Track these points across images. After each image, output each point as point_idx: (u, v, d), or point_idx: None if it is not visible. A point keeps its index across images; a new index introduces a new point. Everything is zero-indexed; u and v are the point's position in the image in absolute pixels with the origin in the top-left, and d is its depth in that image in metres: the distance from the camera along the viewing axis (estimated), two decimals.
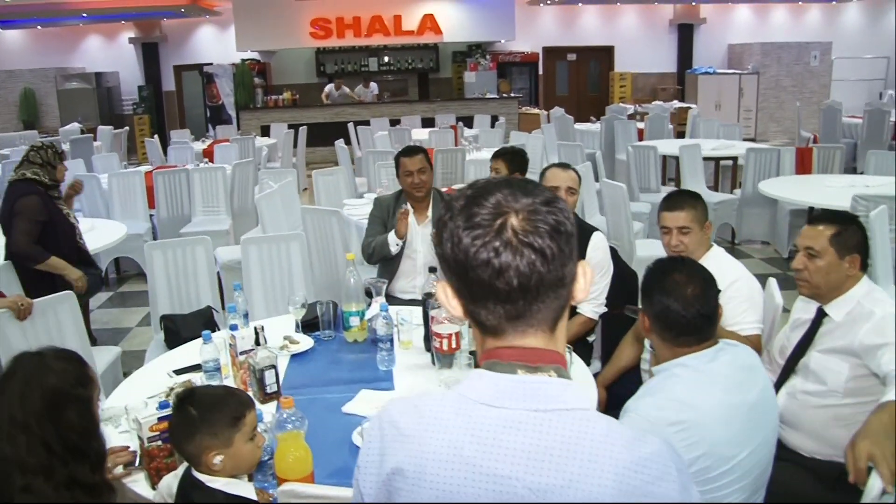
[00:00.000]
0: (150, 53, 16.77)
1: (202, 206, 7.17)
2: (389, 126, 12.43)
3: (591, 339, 3.65)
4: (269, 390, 2.45)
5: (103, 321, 6.01)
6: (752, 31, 17.84)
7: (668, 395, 1.87)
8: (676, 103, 15.14)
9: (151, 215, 7.15)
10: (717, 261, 2.92)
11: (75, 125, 14.17)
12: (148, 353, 3.90)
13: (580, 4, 16.95)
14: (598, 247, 3.45)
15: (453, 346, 2.57)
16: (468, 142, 9.17)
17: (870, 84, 18.07)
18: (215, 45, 16.66)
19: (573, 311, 3.46)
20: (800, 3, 17.76)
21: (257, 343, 2.47)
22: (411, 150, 4.12)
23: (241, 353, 2.54)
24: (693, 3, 17.22)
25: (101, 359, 3.80)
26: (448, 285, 1.16)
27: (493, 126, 12.13)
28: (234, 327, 2.57)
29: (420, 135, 10.72)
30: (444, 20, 15.22)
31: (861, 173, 8.01)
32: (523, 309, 1.10)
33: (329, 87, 15.13)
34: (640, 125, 11.36)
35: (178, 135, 11.72)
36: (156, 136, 11.30)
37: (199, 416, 1.78)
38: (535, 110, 15.06)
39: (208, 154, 9.72)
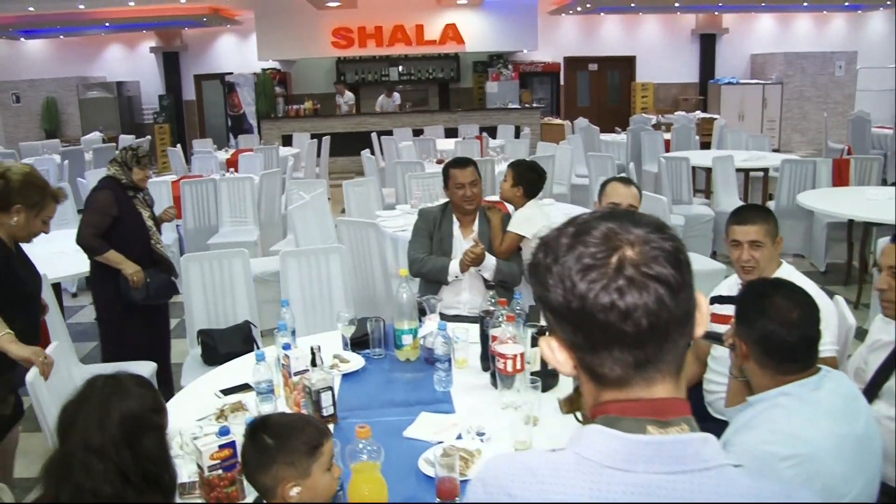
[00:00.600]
0: (170, 63, 16.78)
1: (230, 216, 7.08)
2: (412, 136, 12.37)
3: None
4: (325, 413, 2.34)
5: None
6: (775, 41, 17.66)
7: (773, 427, 1.73)
8: (699, 114, 15.00)
9: (178, 226, 7.06)
10: (790, 278, 2.78)
11: (97, 134, 14.19)
12: (185, 368, 3.80)
13: (602, 14, 16.83)
14: None
15: (518, 367, 2.44)
16: (495, 152, 9.05)
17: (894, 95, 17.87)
18: (236, 55, 16.65)
19: None
20: (824, 11, 17.56)
21: (314, 364, 2.35)
22: (462, 162, 3.97)
23: (296, 374, 2.43)
24: (716, 13, 17.07)
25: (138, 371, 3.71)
26: (553, 338, 1.03)
27: (517, 137, 12.04)
28: (287, 346, 2.46)
29: (445, 145, 10.62)
30: (466, 29, 15.14)
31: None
32: (653, 353, 0.97)
33: (337, 97, 15.15)
34: (667, 136, 11.21)
35: (201, 144, 11.68)
36: (178, 145, 11.24)
37: (276, 446, 1.65)
38: (558, 120, 14.95)
39: (232, 164, 9.66)
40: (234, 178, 7.29)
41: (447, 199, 4.02)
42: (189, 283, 3.95)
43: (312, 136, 11.93)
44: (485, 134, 11.57)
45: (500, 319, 2.59)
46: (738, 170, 8.44)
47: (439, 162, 8.63)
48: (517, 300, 2.85)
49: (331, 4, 13.47)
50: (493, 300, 2.76)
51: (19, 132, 16.06)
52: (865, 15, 17.98)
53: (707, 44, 17.60)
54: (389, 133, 12.02)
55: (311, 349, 2.36)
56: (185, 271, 3.94)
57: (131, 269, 3.96)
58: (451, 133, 13.14)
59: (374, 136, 11.52)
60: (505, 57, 16.52)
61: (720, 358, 2.86)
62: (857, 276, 6.86)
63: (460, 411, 2.47)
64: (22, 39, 16.38)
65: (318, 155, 11.21)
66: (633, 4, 15.36)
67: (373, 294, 4.60)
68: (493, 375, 2.63)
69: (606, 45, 17.43)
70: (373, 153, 10.00)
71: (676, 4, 15.58)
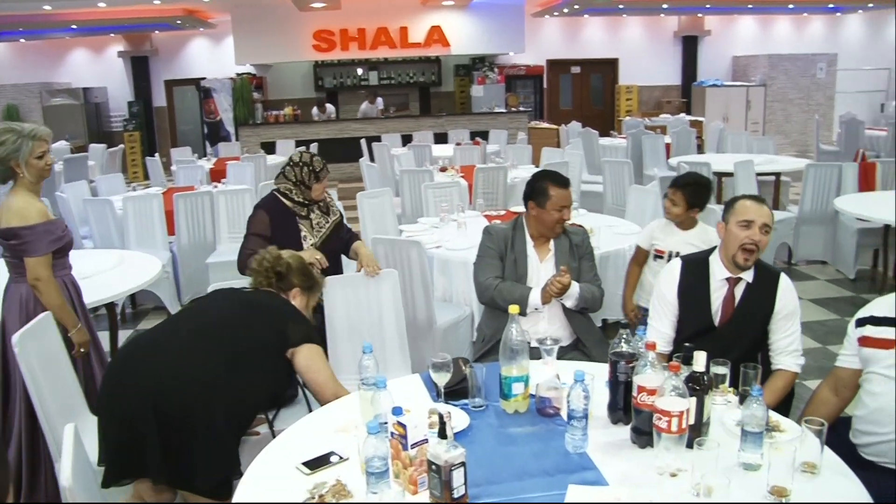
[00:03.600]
0: (139, 68, 16.11)
1: (228, 232, 6.53)
2: (401, 141, 11.90)
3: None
4: (456, 495, 1.87)
5: None
6: (757, 43, 17.61)
7: None
8: (684, 116, 14.75)
9: (171, 243, 6.50)
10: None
11: (63, 143, 13.46)
12: None
13: (585, 16, 16.54)
14: (790, 289, 2.92)
15: (683, 426, 2.00)
16: (501, 159, 8.63)
17: (871, 96, 17.89)
18: (208, 59, 16.07)
19: (768, 371, 2.91)
20: (804, 14, 17.50)
21: (443, 434, 1.88)
22: (564, 180, 3.48)
23: (413, 446, 1.96)
24: (699, 15, 16.90)
25: None
26: None
27: (509, 142, 11.64)
28: (398, 411, 1.98)
29: (441, 151, 10.17)
30: (451, 31, 14.70)
31: None
32: None
33: (314, 111, 14.64)
34: (667, 139, 10.88)
35: (180, 153, 11.05)
36: (156, 154, 10.63)
37: None
38: (546, 125, 14.59)
39: (218, 174, 9.06)
40: (234, 191, 6.74)
41: (518, 215, 3.56)
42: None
43: (297, 144, 11.39)
44: (483, 140, 11.11)
45: (645, 364, 2.15)
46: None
47: (443, 170, 8.19)
48: (640, 336, 2.40)
49: (315, 6, 12.93)
50: (624, 338, 2.31)
51: None
52: (844, 17, 17.98)
53: (689, 46, 17.47)
54: (376, 139, 11.54)
55: (440, 416, 1.89)
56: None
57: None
58: (439, 139, 12.69)
59: (363, 142, 11.04)
60: (489, 60, 16.14)
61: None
62: (891, 284, 6.57)
63: (612, 480, 2.02)
64: None
65: None
66: (619, 6, 15.07)
67: (413, 323, 4.11)
68: (634, 431, 2.19)
69: (589, 47, 17.19)
70: (359, 160, 9.47)
71: (664, 6, 15.34)
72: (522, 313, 3.29)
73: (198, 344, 2.60)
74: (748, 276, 2.93)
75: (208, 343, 2.61)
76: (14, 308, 3.26)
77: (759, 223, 2.85)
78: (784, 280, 2.94)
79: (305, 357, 2.70)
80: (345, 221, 4.14)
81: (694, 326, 2.97)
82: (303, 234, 3.81)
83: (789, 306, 2.91)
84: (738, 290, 2.95)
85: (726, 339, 2.88)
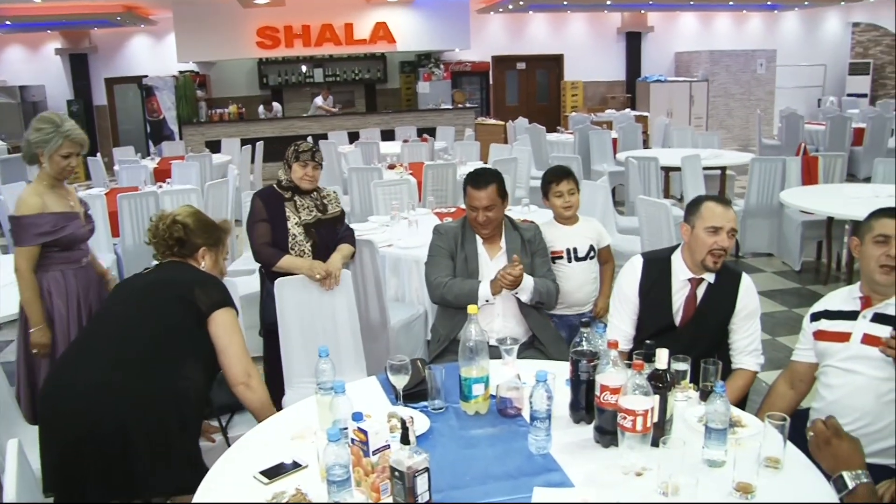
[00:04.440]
0: (78, 65, 15.66)
1: None
2: (348, 139, 11.79)
3: None
4: (420, 500, 1.83)
5: None
6: (698, 39, 17.88)
7: None
8: (629, 111, 14.91)
9: (115, 245, 6.32)
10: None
11: None
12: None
13: (530, 12, 16.60)
14: (751, 290, 2.93)
15: (648, 424, 1.99)
16: (449, 156, 8.59)
17: (808, 91, 18.36)
18: (150, 57, 15.70)
19: (728, 369, 2.92)
20: (743, 11, 17.84)
21: (405, 440, 1.83)
22: (479, 180, 3.39)
23: (374, 453, 1.91)
24: (642, 11, 17.10)
25: None
26: None
27: (456, 138, 11.62)
28: (358, 416, 1.93)
29: (389, 148, 10.10)
30: (397, 28, 14.61)
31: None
32: None
33: (260, 110, 14.43)
34: (614, 135, 10.98)
35: (123, 153, 10.77)
36: (97, 154, 10.33)
37: None
38: (493, 121, 14.61)
39: (162, 174, 8.84)
40: (179, 191, 6.59)
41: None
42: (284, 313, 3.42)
43: (243, 143, 11.20)
44: (431, 137, 11.05)
45: (607, 363, 2.13)
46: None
47: (391, 167, 8.13)
48: (599, 334, 2.38)
49: (258, 2, 12.73)
50: (585, 336, 2.28)
51: None
52: (781, 14, 18.38)
53: (633, 42, 17.65)
54: (322, 137, 11.42)
55: (402, 421, 1.84)
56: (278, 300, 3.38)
57: (305, 266, 3.57)
58: (386, 136, 12.61)
59: (309, 140, 10.88)
60: (434, 56, 16.10)
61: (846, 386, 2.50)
62: (835, 275, 6.73)
63: (577, 481, 1.99)
64: None
65: (252, 161, 10.52)
66: (564, 2, 15.16)
67: (367, 323, 4.04)
68: (598, 430, 2.17)
69: (534, 43, 17.25)
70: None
71: (608, 2, 15.49)
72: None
73: (106, 350, 2.50)
74: (710, 276, 2.93)
75: (117, 347, 2.50)
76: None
77: (727, 228, 2.83)
78: (745, 280, 2.94)
79: (216, 325, 2.61)
80: (346, 221, 4.05)
81: (654, 325, 2.96)
82: (287, 213, 3.72)
83: (750, 306, 2.91)
84: (700, 291, 2.94)
85: (687, 338, 2.87)
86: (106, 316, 2.74)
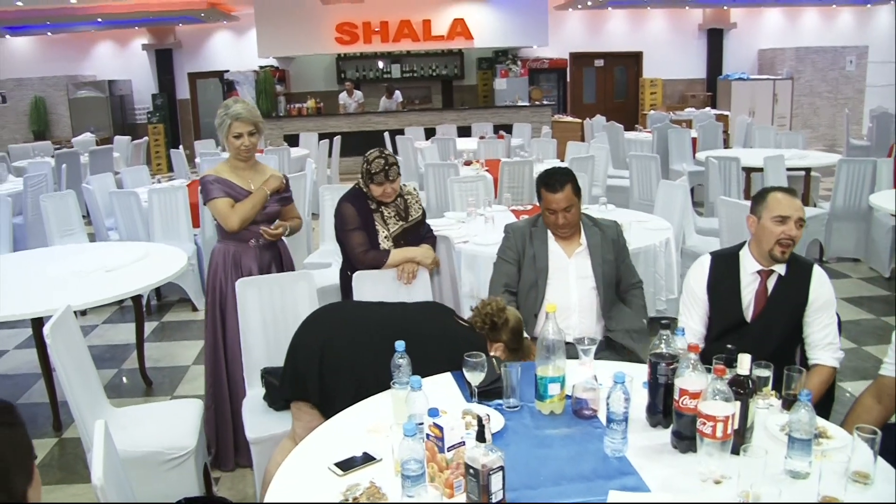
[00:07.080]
0: (163, 60, 16.17)
1: None
2: (424, 135, 11.85)
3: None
4: (494, 499, 1.82)
5: (154, 358, 5.31)
6: (783, 36, 17.34)
7: None
8: (710, 110, 14.58)
9: (195, 236, 6.48)
10: None
11: (88, 135, 13.55)
12: (246, 414, 3.24)
13: (609, 9, 16.39)
14: (824, 282, 2.84)
15: (728, 431, 1.94)
16: (526, 153, 8.54)
17: None
18: (232, 52, 16.09)
19: (805, 364, 2.84)
20: (833, 6, 17.23)
21: (481, 438, 1.82)
22: (553, 182, 3.30)
23: (449, 449, 1.91)
24: (724, 7, 16.68)
25: (184, 415, 3.18)
26: None
27: (532, 136, 11.54)
28: (433, 412, 1.93)
29: (465, 144, 10.08)
30: (474, 24, 14.64)
31: None
32: None
33: (342, 96, 14.57)
34: (693, 134, 10.75)
35: (203, 145, 11.06)
36: (180, 146, 10.63)
37: None
38: (569, 118, 14.47)
39: None
40: None
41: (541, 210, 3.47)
42: (247, 313, 3.39)
43: (321, 137, 11.36)
44: (507, 134, 11.00)
45: (687, 366, 2.08)
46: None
47: (467, 163, 8.12)
48: (679, 336, 2.33)
49: None
50: (664, 339, 2.23)
51: (6, 133, 15.39)
52: (874, 9, 17.68)
53: (714, 39, 17.24)
54: (399, 132, 11.49)
55: (479, 419, 1.83)
56: (241, 299, 3.38)
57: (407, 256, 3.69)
58: (462, 132, 12.62)
59: (386, 136, 11.00)
60: (512, 53, 16.04)
61: None
62: None
63: (654, 486, 1.95)
64: (7, 36, 15.68)
65: (329, 156, 10.65)
66: None
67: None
68: (676, 435, 2.13)
69: (612, 40, 17.03)
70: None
71: None
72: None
73: (387, 325, 2.71)
74: (780, 268, 2.86)
75: (393, 330, 2.57)
76: (220, 263, 3.69)
77: (795, 217, 2.78)
78: (817, 271, 2.86)
79: None
80: (426, 220, 3.98)
81: (725, 322, 2.91)
82: (376, 226, 3.71)
83: (823, 297, 2.83)
84: (771, 283, 2.88)
85: (758, 333, 2.82)
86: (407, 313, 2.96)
